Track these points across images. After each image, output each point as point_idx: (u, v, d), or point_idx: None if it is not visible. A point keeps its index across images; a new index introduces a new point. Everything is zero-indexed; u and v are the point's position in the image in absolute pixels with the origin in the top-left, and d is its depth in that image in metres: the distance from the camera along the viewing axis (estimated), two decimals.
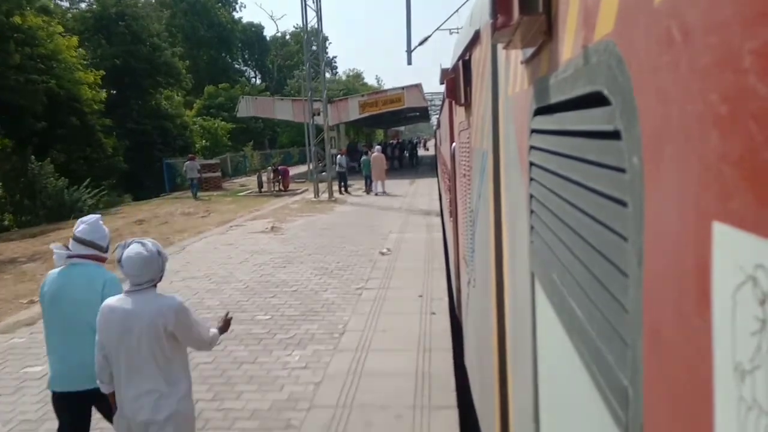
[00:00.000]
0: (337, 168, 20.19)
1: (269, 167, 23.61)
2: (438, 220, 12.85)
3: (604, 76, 0.72)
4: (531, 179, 1.29)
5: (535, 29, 1.13)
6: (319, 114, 19.78)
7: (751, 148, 0.40)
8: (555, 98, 1.00)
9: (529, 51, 1.26)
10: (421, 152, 58.29)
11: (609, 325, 0.74)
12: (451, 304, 6.43)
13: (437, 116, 15.37)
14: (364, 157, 21.31)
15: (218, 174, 25.72)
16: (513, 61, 1.51)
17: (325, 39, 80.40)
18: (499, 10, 1.18)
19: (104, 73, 24.79)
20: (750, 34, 0.40)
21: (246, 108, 29.09)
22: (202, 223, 14.78)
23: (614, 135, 0.70)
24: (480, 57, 2.30)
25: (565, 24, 0.93)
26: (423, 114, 46.43)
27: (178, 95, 37.20)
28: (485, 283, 2.36)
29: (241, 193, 22.53)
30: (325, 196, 18.87)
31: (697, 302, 0.49)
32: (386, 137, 58.25)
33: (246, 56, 60.77)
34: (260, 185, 22.25)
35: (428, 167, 33.32)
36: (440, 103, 12.70)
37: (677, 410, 0.54)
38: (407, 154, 41.31)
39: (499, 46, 1.66)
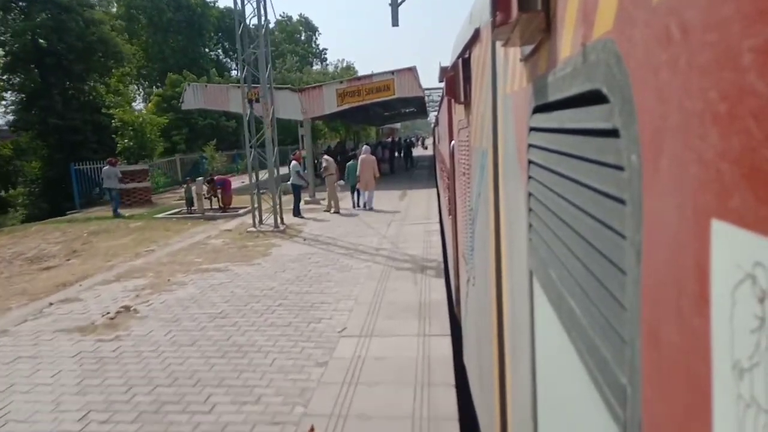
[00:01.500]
0: (292, 179, 14.06)
1: (202, 178, 17.19)
2: (441, 284, 7.37)
3: (603, 74, 0.72)
4: (529, 177, 1.28)
5: (533, 27, 1.13)
6: (257, 101, 13.54)
7: (750, 146, 0.40)
8: (554, 96, 1.00)
9: (528, 49, 1.26)
10: (418, 152, 52.16)
11: (607, 322, 0.75)
12: (449, 303, 6.23)
13: (435, 113, 14.99)
14: (351, 162, 16.25)
15: (146, 184, 19.49)
16: (512, 58, 1.51)
17: (315, 29, 72.75)
18: (498, 8, 1.18)
19: None
20: (749, 32, 0.40)
21: (193, 98, 22.81)
22: (28, 287, 8.61)
23: (613, 133, 0.70)
24: (480, 55, 2.29)
25: (564, 21, 0.94)
26: (420, 109, 40.49)
27: (124, 84, 31.12)
28: (484, 281, 2.36)
29: (161, 214, 16.05)
30: (271, 221, 12.71)
31: (696, 300, 0.49)
32: (379, 136, 52.01)
33: (226, 46, 54.30)
34: (189, 202, 15.92)
35: (426, 171, 27.41)
36: (438, 99, 11.04)
37: (676, 408, 0.54)
38: (401, 155, 35.19)
39: (498, 44, 1.67)
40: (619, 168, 0.68)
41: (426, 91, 36.22)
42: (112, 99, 25.84)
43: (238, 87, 21.90)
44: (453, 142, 4.24)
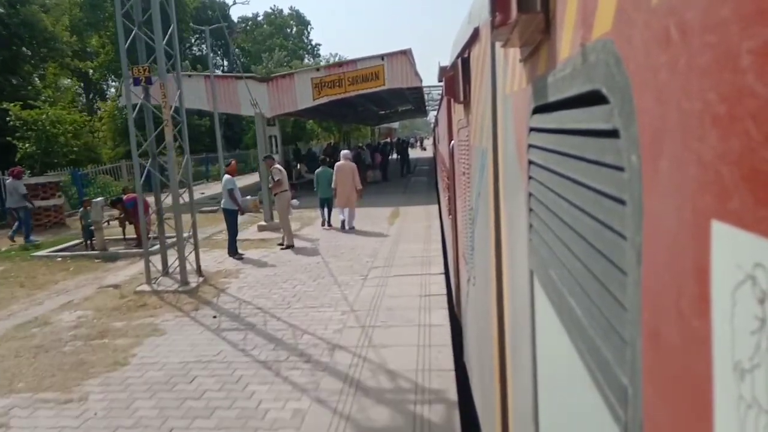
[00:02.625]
0: (223, 202, 9.56)
1: (102, 198, 12.24)
2: None
3: (603, 75, 0.72)
4: (530, 177, 1.29)
5: (533, 27, 1.13)
6: (147, 81, 8.93)
7: (749, 147, 0.40)
8: (553, 97, 1.00)
9: (528, 49, 1.27)
10: (416, 153, 47.43)
11: (608, 323, 0.75)
12: (449, 303, 6.22)
13: (435, 113, 14.56)
14: (321, 169, 12.70)
15: (57, 201, 14.69)
16: (511, 59, 1.52)
17: (307, 23, 68.37)
18: (498, 8, 1.18)
19: None
20: (748, 33, 0.40)
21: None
22: None
23: (613, 133, 0.70)
24: (479, 54, 2.30)
25: (563, 22, 0.94)
26: (418, 106, 35.70)
27: (68, 76, 26.74)
28: (485, 281, 2.35)
29: (45, 250, 10.94)
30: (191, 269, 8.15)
31: (696, 301, 0.49)
32: (374, 137, 47.44)
33: (212, 39, 49.64)
34: (87, 235, 10.93)
35: (425, 179, 22.91)
36: (438, 97, 10.12)
37: (677, 408, 0.54)
38: (396, 158, 30.54)
39: (498, 45, 1.67)
40: (619, 168, 0.68)
41: (425, 89, 32.47)
42: (50, 94, 21.37)
43: (191, 76, 17.09)
44: (453, 142, 4.23)
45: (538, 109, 1.15)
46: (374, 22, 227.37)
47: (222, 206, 9.46)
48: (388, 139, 47.79)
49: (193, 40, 42.33)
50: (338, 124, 32.72)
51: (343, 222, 12.04)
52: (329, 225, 12.49)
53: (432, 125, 28.78)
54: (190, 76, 17.53)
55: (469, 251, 3.15)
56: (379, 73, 17.01)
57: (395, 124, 65.27)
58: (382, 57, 16.87)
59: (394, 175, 24.97)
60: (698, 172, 0.48)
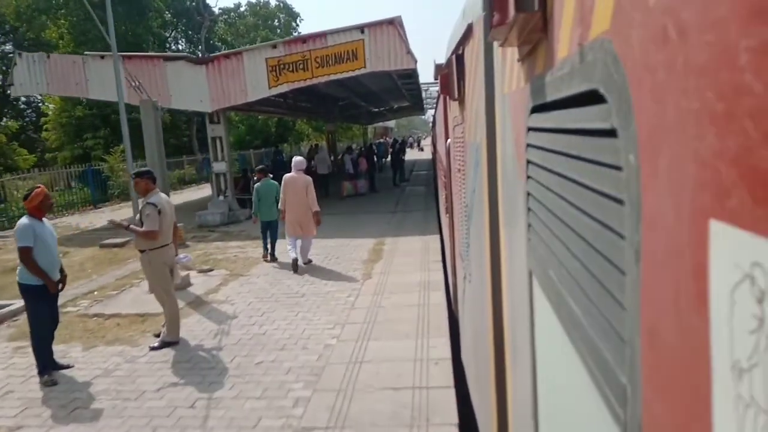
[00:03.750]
0: (18, 272, 4.73)
1: None
2: None
3: (600, 74, 0.72)
4: (528, 177, 1.29)
5: (530, 27, 1.13)
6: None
7: (747, 146, 0.40)
8: (551, 96, 1.00)
9: (525, 49, 1.27)
10: (413, 155, 42.92)
11: (607, 322, 0.75)
12: (447, 299, 6.11)
13: (433, 112, 14.58)
14: (261, 183, 9.17)
15: None
16: (509, 58, 1.52)
17: (296, 15, 64.21)
18: (495, 8, 1.19)
19: None
20: (746, 32, 0.40)
21: (28, 77, 13.79)
22: None
23: (611, 133, 0.70)
24: (473, 51, 2.29)
25: (561, 22, 0.94)
26: (415, 102, 31.13)
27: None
28: (481, 278, 2.34)
29: None
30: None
31: (695, 300, 0.49)
32: (366, 137, 42.92)
33: (183, 29, 44.78)
34: None
35: (422, 189, 18.51)
36: (437, 95, 9.46)
37: (676, 408, 0.54)
38: (387, 163, 26.24)
39: (495, 44, 1.68)
40: (618, 168, 0.68)
41: (423, 85, 28.22)
42: None
43: (103, 57, 12.61)
44: (449, 140, 4.22)
45: (536, 109, 1.15)
46: (368, 18, 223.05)
47: (18, 280, 4.89)
48: (383, 139, 43.35)
49: (169, 34, 37.64)
50: (328, 122, 28.36)
51: (294, 261, 8.27)
52: (272, 257, 9.13)
53: (430, 124, 26.90)
54: (102, 57, 13.02)
55: (465, 248, 3.14)
56: (358, 50, 12.52)
57: (391, 123, 60.78)
58: (361, 29, 12.41)
59: (385, 183, 20.51)
60: (696, 172, 0.48)
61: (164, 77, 12.89)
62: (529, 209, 1.30)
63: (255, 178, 10.02)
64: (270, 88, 12.79)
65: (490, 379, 2.14)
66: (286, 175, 8.43)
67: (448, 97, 3.72)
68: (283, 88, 12.80)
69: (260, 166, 10.08)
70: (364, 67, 12.48)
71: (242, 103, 13.01)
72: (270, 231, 9.10)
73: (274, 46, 12.73)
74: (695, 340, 0.49)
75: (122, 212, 16.68)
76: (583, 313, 0.85)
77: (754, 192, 0.39)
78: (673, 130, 0.52)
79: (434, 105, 15.23)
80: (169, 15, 33.62)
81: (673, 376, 0.54)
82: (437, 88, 9.09)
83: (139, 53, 15.29)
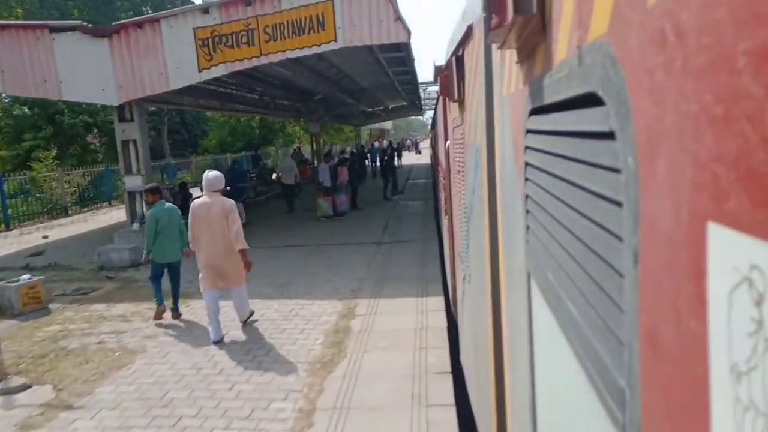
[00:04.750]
0: None
1: None
2: None
3: (599, 77, 0.73)
4: (526, 179, 1.29)
5: (529, 29, 1.14)
6: None
7: (745, 149, 0.40)
8: (550, 99, 1.00)
9: (524, 51, 1.27)
10: (410, 158, 39.23)
11: (605, 325, 0.74)
12: (446, 301, 6.02)
13: (432, 113, 14.38)
14: (155, 208, 6.07)
15: None
16: (508, 61, 1.52)
17: None
18: (494, 10, 1.19)
19: None
20: (744, 34, 0.40)
21: None
22: None
23: (609, 135, 0.70)
24: (473, 52, 2.29)
25: (560, 24, 0.94)
26: (413, 101, 27.70)
27: None
28: (480, 280, 2.33)
29: None
30: None
31: (693, 303, 0.49)
32: (358, 139, 38.98)
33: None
34: None
35: (419, 204, 14.84)
36: (436, 95, 8.86)
37: (674, 411, 0.54)
38: (375, 170, 22.80)
39: (494, 46, 1.67)
40: (616, 170, 0.68)
41: (421, 85, 25.45)
42: None
43: None
44: (448, 141, 4.19)
45: (535, 111, 1.15)
46: None
47: None
48: (378, 142, 39.66)
49: None
50: (312, 123, 24.53)
51: (219, 340, 5.56)
52: (175, 313, 6.38)
53: (429, 126, 25.35)
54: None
55: (464, 249, 3.13)
56: (326, 17, 8.78)
57: (387, 125, 56.98)
58: None
59: (374, 195, 16.72)
60: (694, 174, 0.48)
61: (51, 56, 9.04)
62: (527, 211, 1.30)
63: (146, 200, 6.43)
64: (201, 70, 8.97)
65: (489, 380, 2.13)
66: (195, 201, 5.59)
67: (447, 99, 3.75)
68: (220, 71, 8.99)
69: (151, 185, 6.35)
70: (335, 40, 8.66)
71: (163, 92, 9.18)
72: (171, 276, 6.24)
73: (206, 11, 8.89)
74: (693, 342, 0.49)
75: (30, 239, 12.86)
76: (582, 315, 0.86)
77: (753, 195, 0.40)
78: (672, 133, 0.52)
79: (433, 106, 14.07)
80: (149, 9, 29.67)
81: (671, 379, 0.54)
82: (436, 89, 7.60)
83: (14, 22, 11.40)
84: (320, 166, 13.89)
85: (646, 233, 0.59)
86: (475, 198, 2.39)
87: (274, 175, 17.46)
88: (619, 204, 0.67)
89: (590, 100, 0.76)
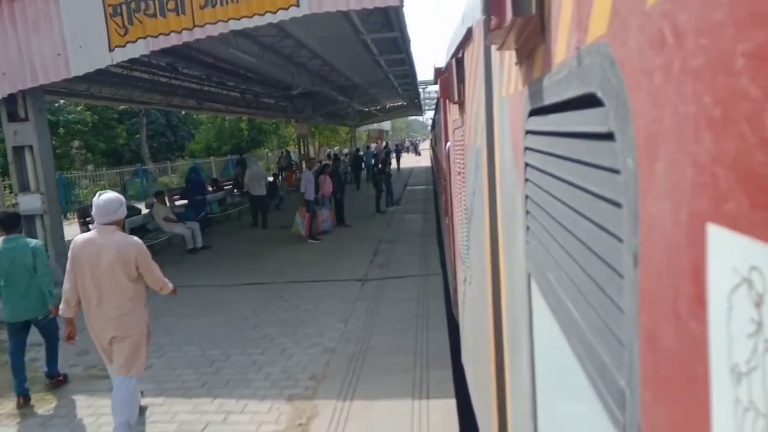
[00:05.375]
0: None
1: None
2: None
3: (598, 78, 0.73)
4: (526, 180, 1.29)
5: (528, 31, 1.14)
6: None
7: (744, 150, 0.40)
8: (549, 99, 1.00)
9: (523, 52, 1.27)
10: (410, 161, 36.93)
11: (605, 326, 0.74)
12: (447, 302, 5.86)
13: (432, 114, 13.72)
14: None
15: None
16: (507, 61, 1.52)
17: None
18: (493, 11, 1.19)
19: None
20: (743, 36, 0.40)
21: None
22: None
23: (608, 136, 0.70)
24: (473, 54, 2.29)
25: (559, 25, 0.94)
26: (411, 100, 25.99)
27: None
28: (481, 281, 2.33)
29: None
30: None
31: (693, 304, 0.49)
32: (352, 142, 36.42)
33: None
34: None
35: (418, 224, 12.37)
36: (436, 95, 8.28)
37: (674, 412, 0.54)
38: (360, 179, 20.73)
39: (493, 48, 1.68)
40: (615, 171, 0.68)
41: (421, 85, 24.19)
42: None
43: None
44: (448, 143, 4.21)
45: (534, 112, 1.15)
46: None
47: None
48: (374, 144, 37.29)
49: None
50: (298, 122, 22.01)
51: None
52: (54, 381, 4.68)
53: (429, 128, 24.20)
54: None
55: (465, 250, 3.11)
56: None
57: (386, 125, 54.60)
58: None
59: (366, 207, 14.34)
60: (694, 175, 0.48)
61: None
62: (527, 212, 1.30)
63: None
64: (113, 49, 6.49)
65: (490, 381, 2.13)
66: (78, 238, 3.76)
67: (447, 101, 3.72)
68: (139, 50, 6.57)
69: (4, 212, 4.40)
70: (296, 4, 6.16)
71: (63, 79, 6.71)
72: (43, 335, 4.58)
73: None
74: (693, 343, 0.49)
75: None
76: (582, 316, 0.86)
77: (752, 196, 0.40)
78: (671, 134, 0.52)
79: (434, 106, 13.18)
80: None
81: (671, 380, 0.54)
82: (437, 88, 7.09)
83: None
84: (303, 174, 11.35)
85: (646, 234, 0.59)
86: (475, 199, 2.39)
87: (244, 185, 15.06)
88: (618, 205, 0.68)
89: (590, 101, 0.76)
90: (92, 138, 23.70)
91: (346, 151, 34.46)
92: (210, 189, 12.85)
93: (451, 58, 3.03)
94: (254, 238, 11.33)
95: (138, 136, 28.87)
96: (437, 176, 9.77)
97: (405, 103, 29.58)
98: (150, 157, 28.26)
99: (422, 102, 31.69)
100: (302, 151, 21.92)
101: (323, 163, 13.40)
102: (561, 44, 0.91)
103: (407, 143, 62.50)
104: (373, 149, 28.76)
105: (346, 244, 10.18)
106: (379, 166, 14.07)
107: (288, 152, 24.48)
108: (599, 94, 0.71)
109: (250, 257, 9.47)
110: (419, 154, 47.00)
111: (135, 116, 27.77)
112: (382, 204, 14.01)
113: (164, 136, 32.83)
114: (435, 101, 11.41)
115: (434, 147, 13.59)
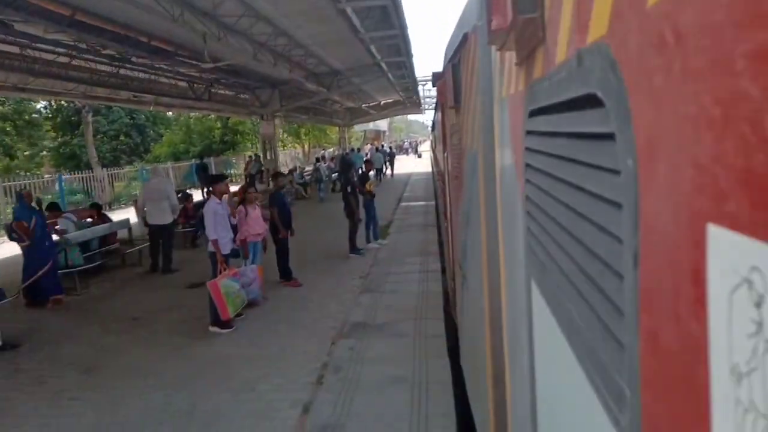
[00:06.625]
0: None
1: None
2: None
3: (598, 79, 0.73)
4: (526, 181, 1.29)
5: (529, 31, 1.14)
6: None
7: (744, 151, 0.40)
8: (549, 100, 1.00)
9: (523, 53, 1.27)
10: (408, 165, 32.34)
11: (605, 327, 0.74)
12: (446, 303, 5.87)
13: (433, 114, 13.67)
14: None
15: None
16: (507, 63, 1.52)
17: None
18: (494, 12, 1.19)
19: None
20: (743, 36, 0.40)
21: None
22: None
23: (608, 137, 0.70)
24: (469, 59, 2.32)
25: (559, 26, 0.94)
26: (409, 96, 22.13)
27: None
28: (480, 282, 2.34)
29: None
30: None
31: (693, 304, 0.49)
32: (344, 142, 31.79)
33: None
34: None
35: (414, 281, 7.40)
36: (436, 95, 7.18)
37: (674, 413, 0.54)
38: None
39: (493, 49, 1.69)
40: (615, 172, 0.68)
41: (421, 82, 23.67)
42: None
43: None
44: (448, 144, 4.24)
45: (535, 113, 1.15)
46: None
47: None
48: (369, 146, 32.78)
49: None
50: (262, 119, 17.41)
51: None
52: None
53: (429, 128, 23.53)
54: None
55: (463, 253, 3.13)
56: None
57: (383, 125, 49.97)
58: None
59: (335, 241, 9.84)
60: (694, 176, 0.48)
61: None
62: (527, 213, 1.30)
63: None
64: None
65: (489, 383, 2.13)
66: None
67: (446, 105, 3.72)
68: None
69: None
70: None
71: None
72: None
73: None
74: (694, 344, 0.49)
75: None
76: (582, 317, 0.85)
77: (752, 196, 0.40)
78: (671, 134, 0.52)
79: (434, 105, 12.81)
80: None
81: (671, 381, 0.54)
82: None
83: None
84: (207, 204, 6.77)
85: (646, 235, 0.59)
86: (474, 200, 2.40)
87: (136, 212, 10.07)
88: (618, 205, 0.68)
89: (590, 102, 0.76)
90: (6, 138, 19.20)
91: (327, 152, 29.87)
92: (72, 220, 8.15)
93: (448, 62, 3.11)
94: (132, 312, 6.68)
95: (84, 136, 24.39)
96: (438, 188, 8.82)
97: (402, 98, 25.07)
98: (100, 161, 23.65)
99: (422, 99, 27.29)
100: (267, 157, 17.10)
101: (244, 186, 8.58)
102: (561, 45, 0.92)
103: (406, 144, 57.81)
104: (367, 152, 24.33)
105: (273, 340, 5.52)
106: (352, 180, 9.12)
107: (257, 156, 19.97)
108: (599, 95, 0.71)
109: (86, 378, 4.92)
110: (420, 156, 42.42)
111: (73, 114, 23.23)
112: (361, 238, 9.43)
113: (129, 136, 28.36)
114: (435, 100, 10.26)
115: (434, 149, 12.59)
